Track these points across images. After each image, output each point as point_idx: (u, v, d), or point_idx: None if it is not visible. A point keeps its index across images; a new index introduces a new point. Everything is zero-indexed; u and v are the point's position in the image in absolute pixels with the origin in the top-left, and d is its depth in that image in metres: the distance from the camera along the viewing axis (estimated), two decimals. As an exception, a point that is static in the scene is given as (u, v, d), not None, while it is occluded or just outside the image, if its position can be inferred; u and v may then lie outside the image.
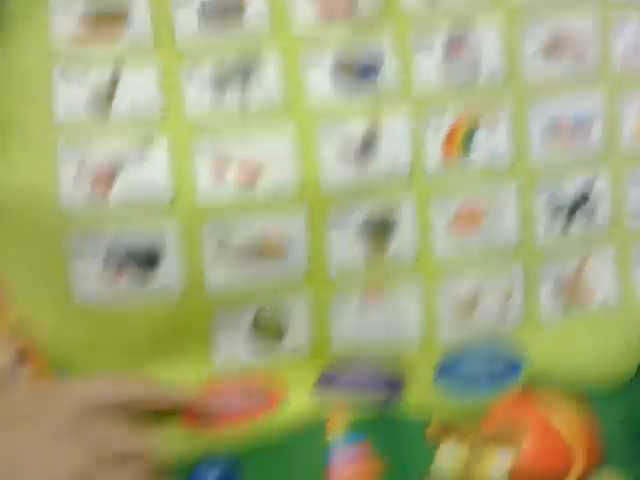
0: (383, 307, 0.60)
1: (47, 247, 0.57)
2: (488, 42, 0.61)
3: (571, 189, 0.62)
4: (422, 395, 0.61)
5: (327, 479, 0.58)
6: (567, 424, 0.60)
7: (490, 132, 0.61)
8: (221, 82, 0.58)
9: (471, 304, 0.61)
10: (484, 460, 0.59)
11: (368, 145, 0.59)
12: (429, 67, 0.60)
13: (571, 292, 0.63)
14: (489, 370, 0.61)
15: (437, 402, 0.61)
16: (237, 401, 0.59)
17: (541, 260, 0.62)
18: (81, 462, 0.49)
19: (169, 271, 0.57)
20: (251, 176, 0.57)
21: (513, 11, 0.61)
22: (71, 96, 0.57)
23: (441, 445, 0.60)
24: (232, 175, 0.57)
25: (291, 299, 0.58)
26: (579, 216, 0.62)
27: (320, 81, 0.59)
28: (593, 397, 0.62)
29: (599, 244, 0.63)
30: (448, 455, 0.59)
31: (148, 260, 0.57)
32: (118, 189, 0.56)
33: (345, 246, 0.59)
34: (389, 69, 0.60)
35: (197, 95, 0.58)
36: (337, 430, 0.59)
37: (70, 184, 0.56)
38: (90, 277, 0.57)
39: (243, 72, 0.58)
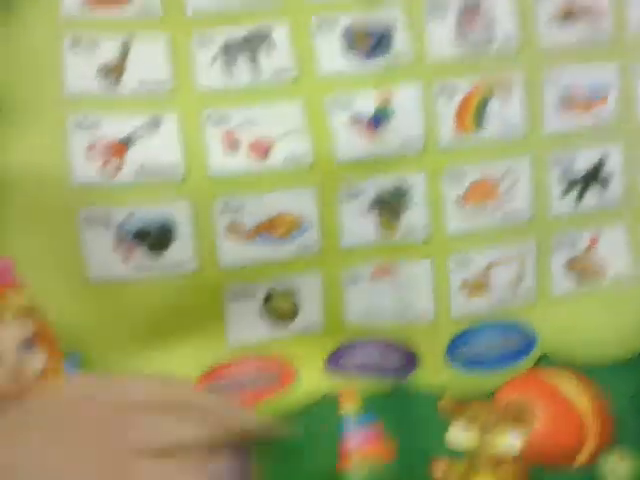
0: (395, 282, 0.59)
1: (59, 226, 0.56)
2: (501, 6, 0.60)
3: (585, 162, 0.61)
4: (434, 371, 0.60)
5: (341, 452, 0.58)
6: (579, 397, 0.60)
7: (504, 102, 0.60)
8: (232, 53, 0.57)
9: (483, 279, 0.60)
10: (496, 439, 0.59)
11: (380, 117, 0.58)
12: (442, 36, 0.59)
13: (583, 267, 0.62)
14: (502, 346, 0.61)
15: (449, 378, 0.60)
16: (250, 381, 0.59)
17: (554, 233, 0.61)
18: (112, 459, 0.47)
19: (182, 247, 0.56)
20: (262, 149, 0.57)
21: None
22: (81, 70, 0.56)
23: (453, 422, 0.60)
24: (243, 149, 0.56)
25: (303, 275, 0.58)
26: (592, 189, 0.62)
27: (331, 51, 0.58)
28: (604, 372, 0.62)
29: (612, 218, 0.62)
30: (459, 435, 0.59)
31: (161, 236, 0.56)
32: (129, 164, 0.56)
33: (357, 220, 0.58)
34: (402, 38, 0.59)
35: (207, 66, 0.57)
36: (350, 405, 0.59)
37: (81, 160, 0.56)
38: (103, 254, 0.56)
39: (254, 42, 0.57)
